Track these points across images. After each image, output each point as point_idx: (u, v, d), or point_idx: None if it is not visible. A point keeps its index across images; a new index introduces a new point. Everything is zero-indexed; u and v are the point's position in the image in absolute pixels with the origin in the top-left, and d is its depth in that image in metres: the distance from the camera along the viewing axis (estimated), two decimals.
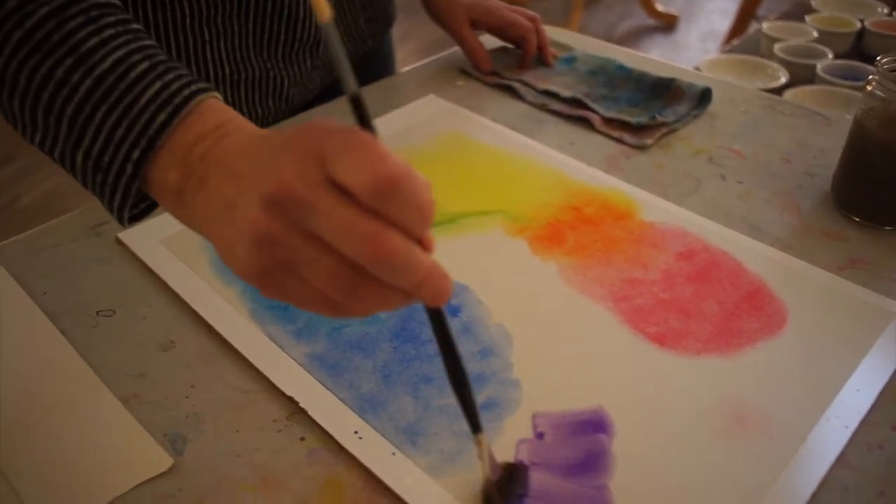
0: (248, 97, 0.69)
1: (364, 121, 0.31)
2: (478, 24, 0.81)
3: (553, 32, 0.89)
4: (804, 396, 0.44)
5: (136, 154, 0.37)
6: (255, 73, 0.68)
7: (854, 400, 0.44)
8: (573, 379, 0.45)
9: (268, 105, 0.71)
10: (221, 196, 0.33)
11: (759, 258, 0.54)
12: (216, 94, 0.39)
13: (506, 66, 0.82)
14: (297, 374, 0.45)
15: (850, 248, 0.56)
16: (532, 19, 0.81)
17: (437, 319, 0.34)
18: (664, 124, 0.70)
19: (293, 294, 0.32)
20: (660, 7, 3.04)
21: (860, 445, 0.41)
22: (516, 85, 0.78)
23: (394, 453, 0.41)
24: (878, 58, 0.55)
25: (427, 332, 0.48)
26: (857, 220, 0.58)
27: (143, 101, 0.36)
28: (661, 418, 0.43)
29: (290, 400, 0.44)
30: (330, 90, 0.79)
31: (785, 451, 0.41)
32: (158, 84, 0.37)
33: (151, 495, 0.39)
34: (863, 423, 0.42)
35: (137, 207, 0.41)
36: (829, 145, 0.69)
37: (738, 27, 2.18)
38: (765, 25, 1.13)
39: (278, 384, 0.45)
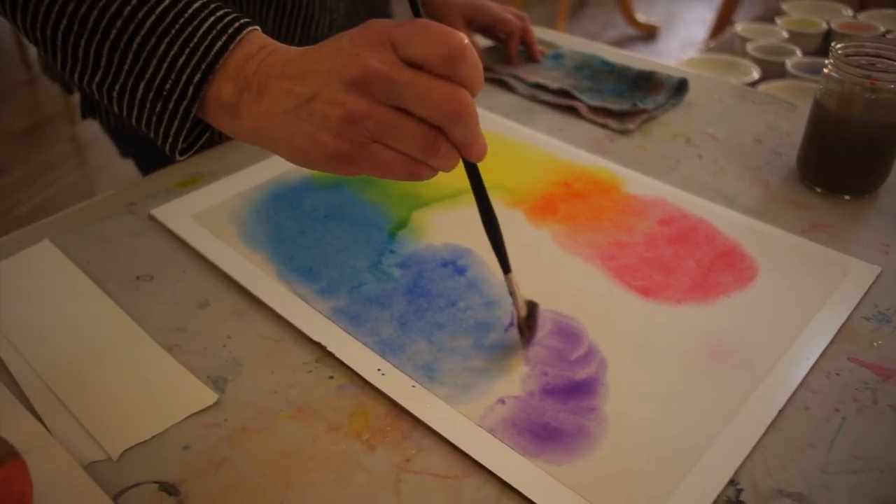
0: None
1: (417, 12, 0.40)
2: (471, 23, 0.87)
3: (542, 33, 0.95)
4: (773, 335, 0.50)
5: (196, 77, 0.42)
6: None
7: (815, 337, 0.50)
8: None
9: None
10: (291, 96, 0.39)
11: (732, 223, 0.60)
12: (257, 27, 0.44)
13: (498, 63, 0.88)
14: (324, 324, 0.51)
15: (812, 215, 0.62)
16: (520, 17, 0.88)
17: (476, 174, 0.43)
18: (644, 111, 0.77)
19: (380, 162, 0.39)
20: (641, 18, 3.13)
21: (820, 373, 0.47)
22: (508, 79, 0.84)
23: (413, 386, 0.46)
24: (833, 43, 0.61)
25: (436, 287, 0.54)
26: (819, 190, 0.65)
27: (200, 32, 0.42)
28: (647, 355, 0.49)
29: (318, 346, 0.49)
30: None
31: (756, 379, 0.47)
32: (212, 18, 0.42)
33: (201, 424, 0.45)
34: (822, 355, 0.48)
35: (188, 139, 0.46)
36: (796, 128, 0.75)
37: (716, 34, 2.26)
38: (738, 27, 1.20)
39: (307, 332, 0.50)
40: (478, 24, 0.88)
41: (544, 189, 0.65)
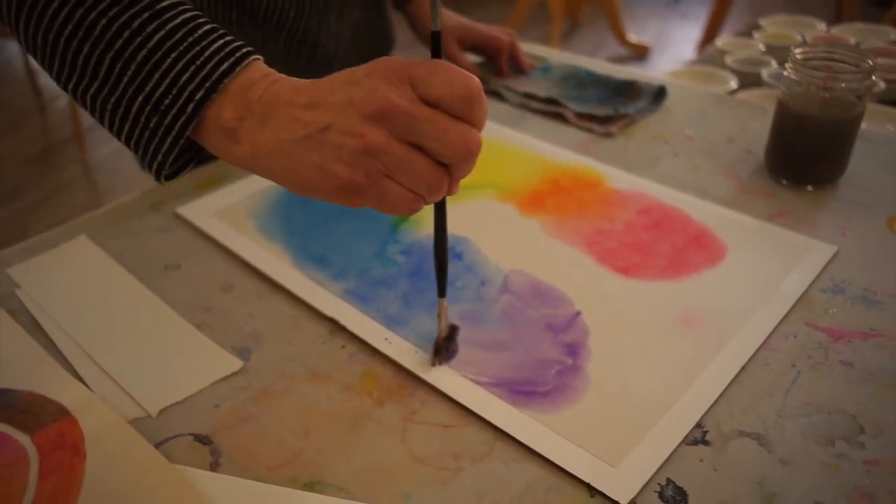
0: None
1: (437, 53, 0.40)
2: (463, 42, 0.94)
3: (532, 48, 1.02)
4: (738, 305, 0.56)
5: (199, 95, 0.42)
6: None
7: (776, 306, 0.55)
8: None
9: None
10: (301, 124, 0.39)
11: (705, 212, 0.67)
12: (261, 58, 0.45)
13: (490, 75, 0.95)
14: (335, 303, 0.57)
15: (778, 203, 0.68)
16: (508, 34, 0.95)
17: (442, 205, 0.46)
18: (626, 116, 0.83)
19: (389, 197, 0.40)
20: (632, 38, 3.22)
21: (779, 336, 0.53)
22: (501, 89, 0.91)
23: (417, 352, 0.52)
24: (792, 47, 0.68)
25: None
26: (785, 182, 0.71)
27: (208, 52, 0.43)
28: (625, 323, 0.54)
29: (331, 321, 0.55)
30: None
31: (722, 341, 0.52)
32: (221, 41, 0.43)
33: (228, 386, 0.50)
34: (782, 321, 0.54)
35: (176, 163, 0.46)
36: (766, 129, 0.81)
37: (702, 50, 2.34)
38: (719, 41, 1.27)
39: (321, 309, 0.56)
40: (469, 43, 0.95)
41: (533, 186, 0.71)
